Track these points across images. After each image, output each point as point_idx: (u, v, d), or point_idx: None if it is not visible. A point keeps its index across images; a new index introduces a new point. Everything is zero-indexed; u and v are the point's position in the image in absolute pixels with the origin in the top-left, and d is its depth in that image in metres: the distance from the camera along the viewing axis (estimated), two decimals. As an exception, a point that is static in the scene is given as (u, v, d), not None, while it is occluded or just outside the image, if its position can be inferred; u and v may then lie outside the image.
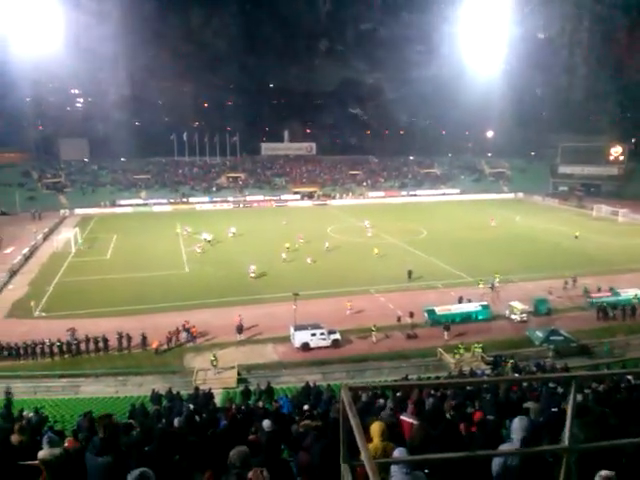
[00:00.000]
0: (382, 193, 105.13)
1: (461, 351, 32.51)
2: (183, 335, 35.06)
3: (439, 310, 38.20)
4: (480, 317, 38.45)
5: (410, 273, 47.50)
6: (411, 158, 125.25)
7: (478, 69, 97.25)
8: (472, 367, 29.88)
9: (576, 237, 63.20)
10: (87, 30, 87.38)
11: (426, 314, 37.98)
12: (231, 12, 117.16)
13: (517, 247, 59.83)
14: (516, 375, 25.95)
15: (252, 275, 47.92)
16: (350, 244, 60.93)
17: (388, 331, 36.05)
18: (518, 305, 38.81)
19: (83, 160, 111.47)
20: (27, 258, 56.15)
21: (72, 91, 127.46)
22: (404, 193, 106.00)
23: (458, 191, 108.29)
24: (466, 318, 38.17)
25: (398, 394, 16.23)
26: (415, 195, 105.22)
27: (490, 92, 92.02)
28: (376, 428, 6.06)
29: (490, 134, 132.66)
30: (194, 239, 63.43)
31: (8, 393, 23.58)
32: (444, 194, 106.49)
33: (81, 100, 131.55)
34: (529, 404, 10.72)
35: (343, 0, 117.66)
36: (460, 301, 40.45)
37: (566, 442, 4.19)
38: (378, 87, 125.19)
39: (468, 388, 17.04)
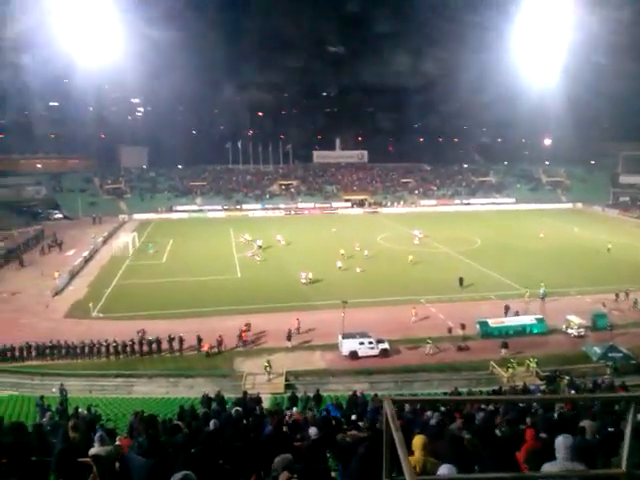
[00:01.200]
0: (434, 201, 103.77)
1: (514, 365, 31.51)
2: (249, 335, 35.84)
3: (492, 322, 37.24)
4: (535, 331, 37.20)
5: (461, 280, 46.77)
6: (465, 166, 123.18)
7: (535, 74, 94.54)
8: (525, 382, 28.90)
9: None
10: (147, 41, 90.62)
11: (478, 326, 37.09)
12: (283, 22, 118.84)
13: (573, 259, 57.61)
14: (572, 392, 24.92)
15: (303, 281, 48.22)
16: (401, 252, 60.25)
17: (438, 342, 35.39)
18: (575, 319, 37.33)
19: (142, 167, 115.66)
20: (87, 261, 58.51)
21: (133, 100, 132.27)
22: (457, 202, 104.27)
23: (513, 200, 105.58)
24: (520, 331, 37.02)
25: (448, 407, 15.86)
26: (469, 204, 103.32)
27: (548, 98, 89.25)
28: (418, 441, 5.94)
29: (548, 142, 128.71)
30: (248, 245, 64.46)
31: (62, 391, 24.48)
32: (499, 203, 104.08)
33: (141, 109, 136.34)
34: (585, 422, 10.23)
35: (393, 4, 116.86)
36: (506, 310, 39.50)
37: (623, 466, 3.95)
38: (431, 94, 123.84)
39: (521, 404, 16.44)
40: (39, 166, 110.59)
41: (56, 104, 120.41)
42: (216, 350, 34.24)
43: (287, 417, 15.95)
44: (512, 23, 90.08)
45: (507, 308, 39.80)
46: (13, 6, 79.64)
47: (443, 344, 35.48)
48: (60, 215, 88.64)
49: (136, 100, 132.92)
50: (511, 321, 37.98)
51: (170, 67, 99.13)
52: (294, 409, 19.91)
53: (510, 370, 31.26)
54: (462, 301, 43.49)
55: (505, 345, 34.10)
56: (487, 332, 36.62)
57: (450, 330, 36.77)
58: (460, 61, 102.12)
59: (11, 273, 54.64)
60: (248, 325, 36.28)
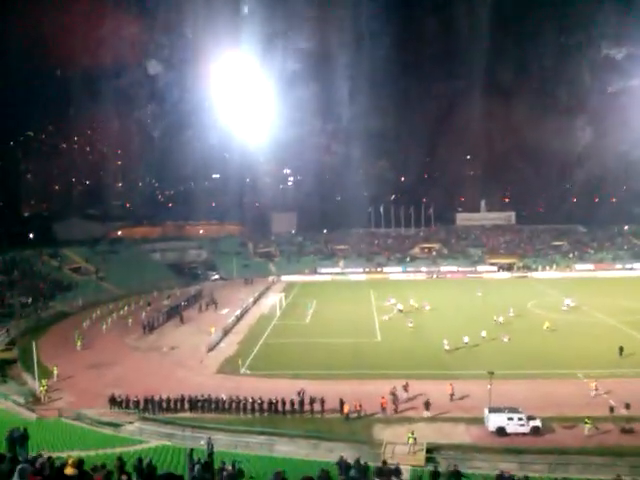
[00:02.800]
0: (591, 266, 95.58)
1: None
2: (403, 396, 35.78)
3: (663, 403, 32.81)
4: None
5: (621, 350, 42.76)
6: (626, 227, 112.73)
7: None
8: None
9: None
10: (297, 117, 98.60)
11: (646, 407, 32.89)
12: (427, 92, 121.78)
13: None
14: None
15: (446, 348, 46.71)
16: (554, 321, 55.95)
17: (598, 422, 31.81)
18: None
19: (291, 232, 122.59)
20: (238, 319, 62.38)
21: (285, 171, 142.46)
22: (619, 266, 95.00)
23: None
24: (701, 416, 32.09)
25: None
26: (632, 269, 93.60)
27: None
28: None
29: None
30: (391, 309, 64.41)
31: (209, 444, 25.65)
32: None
33: (291, 179, 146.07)
34: None
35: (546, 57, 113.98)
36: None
37: None
38: (584, 152, 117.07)
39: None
40: (201, 232, 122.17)
41: (217, 176, 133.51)
42: (356, 415, 34.10)
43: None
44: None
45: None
46: (180, 87, 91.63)
47: (604, 425, 31.83)
48: (217, 276, 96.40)
49: (287, 171, 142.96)
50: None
51: (317, 138, 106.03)
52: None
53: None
54: (626, 377, 39.00)
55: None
56: (658, 415, 32.27)
57: (612, 409, 33.02)
58: (614, 117, 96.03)
59: (172, 329, 59.95)
60: (406, 385, 36.41)
